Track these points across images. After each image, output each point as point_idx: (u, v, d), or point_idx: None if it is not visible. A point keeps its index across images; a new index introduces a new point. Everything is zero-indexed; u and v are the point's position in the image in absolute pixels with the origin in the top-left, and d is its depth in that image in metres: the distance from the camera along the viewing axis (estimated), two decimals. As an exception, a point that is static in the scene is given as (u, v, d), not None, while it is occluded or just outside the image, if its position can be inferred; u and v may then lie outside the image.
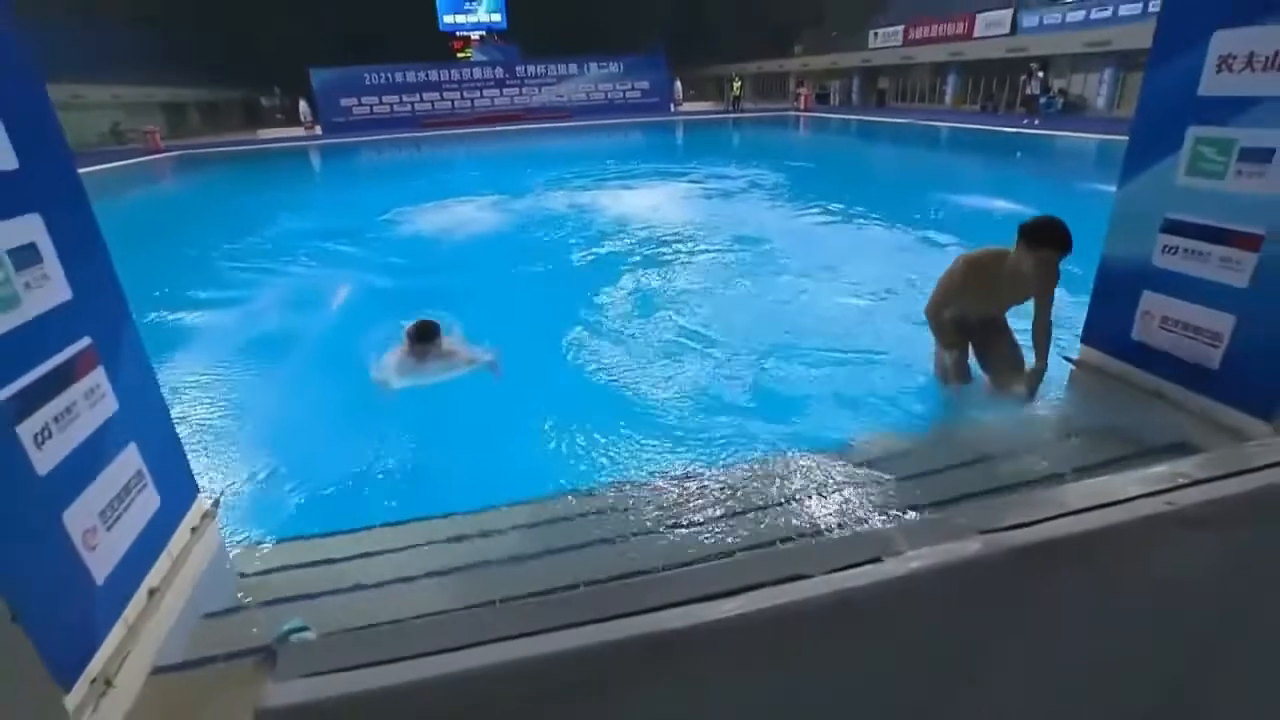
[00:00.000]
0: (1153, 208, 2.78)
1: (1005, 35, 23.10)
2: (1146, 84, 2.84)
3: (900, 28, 28.27)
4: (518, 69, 31.20)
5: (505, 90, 31.04)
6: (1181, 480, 0.80)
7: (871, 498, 2.55)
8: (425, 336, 3.35)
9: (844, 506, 2.50)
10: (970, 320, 3.25)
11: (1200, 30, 2.53)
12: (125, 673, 1.66)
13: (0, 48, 1.63)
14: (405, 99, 29.95)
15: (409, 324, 3.46)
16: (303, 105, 29.85)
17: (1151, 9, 16.76)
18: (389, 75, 29.66)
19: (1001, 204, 9.78)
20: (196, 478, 2.23)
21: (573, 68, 31.64)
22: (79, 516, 1.67)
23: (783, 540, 2.27)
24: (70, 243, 1.78)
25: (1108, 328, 3.06)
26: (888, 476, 2.68)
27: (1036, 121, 18.96)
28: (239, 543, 2.48)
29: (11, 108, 1.62)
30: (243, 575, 2.22)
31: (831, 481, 2.70)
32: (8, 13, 1.67)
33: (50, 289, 1.71)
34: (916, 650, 0.72)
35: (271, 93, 38.98)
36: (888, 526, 0.71)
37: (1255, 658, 0.83)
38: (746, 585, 0.66)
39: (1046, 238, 2.79)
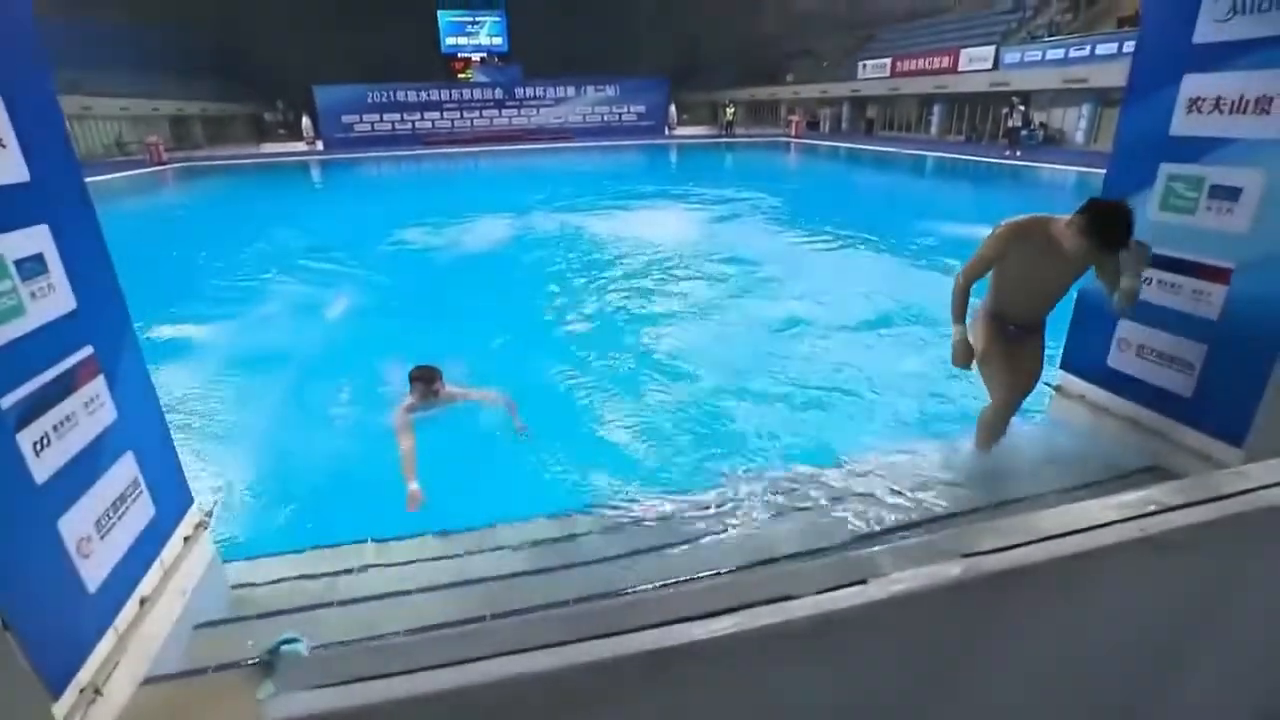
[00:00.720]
0: (1128, 240, 2.89)
1: (988, 70, 23.79)
2: (1122, 122, 2.97)
3: (888, 60, 29.01)
4: (517, 90, 31.70)
5: (504, 111, 31.50)
6: (1154, 507, 0.84)
7: (855, 520, 2.60)
8: (426, 380, 3.41)
9: (828, 528, 2.54)
10: (1007, 320, 2.84)
11: (1171, 74, 2.66)
12: (114, 682, 1.66)
13: (20, 64, 1.67)
14: (406, 117, 30.36)
15: (413, 369, 3.47)
16: (306, 121, 30.19)
17: (1126, 49, 17.33)
18: (390, 94, 30.07)
19: (985, 231, 9.99)
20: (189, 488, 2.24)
21: (570, 90, 32.16)
22: (74, 524, 1.67)
23: (772, 561, 2.30)
24: (76, 253, 1.81)
25: (1086, 354, 3.15)
26: (871, 498, 2.73)
27: (1018, 153, 19.43)
28: (232, 555, 2.47)
29: (27, 122, 1.66)
30: (235, 587, 2.22)
31: (816, 503, 2.74)
32: (29, 27, 1.72)
33: (55, 298, 1.74)
34: (899, 669, 0.76)
35: (275, 108, 39.28)
36: (873, 550, 0.75)
37: (1222, 677, 0.87)
38: (737, 605, 0.68)
39: (1105, 234, 2.38)
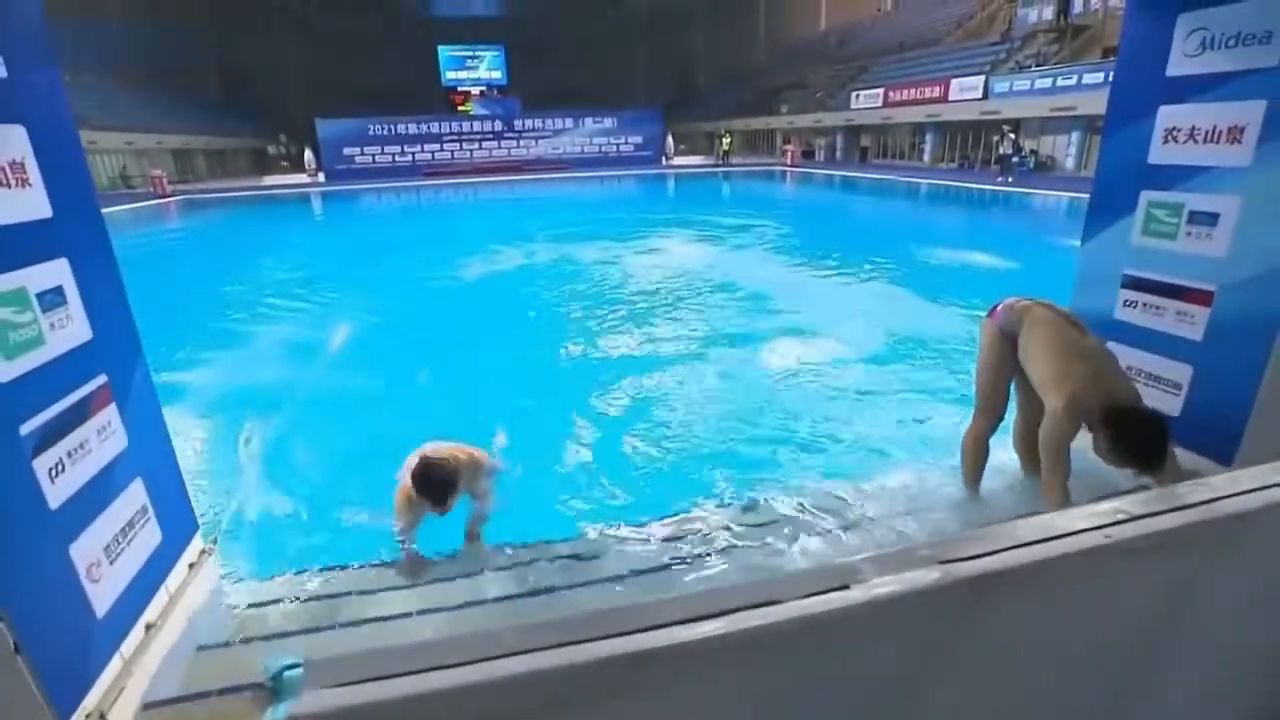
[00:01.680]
0: (1113, 264, 2.97)
1: (978, 99, 24.32)
2: (1103, 150, 3.08)
3: (880, 90, 29.66)
4: (515, 123, 32.30)
5: (503, 142, 32.04)
6: (1121, 516, 0.89)
7: (843, 539, 2.63)
8: (439, 500, 2.44)
9: (819, 548, 2.58)
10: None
11: (1147, 105, 2.77)
12: (119, 707, 1.67)
13: (45, 105, 1.75)
14: (407, 149, 30.87)
15: (421, 477, 2.48)
16: (308, 154, 30.80)
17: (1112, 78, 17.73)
18: (391, 127, 30.63)
19: (980, 257, 10.15)
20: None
21: (569, 122, 32.78)
22: (85, 550, 1.71)
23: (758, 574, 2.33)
24: (93, 285, 1.88)
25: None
26: (860, 519, 2.76)
27: (1010, 179, 19.78)
28: (234, 578, 2.49)
29: (51, 160, 1.74)
30: (237, 611, 2.23)
31: (809, 524, 2.77)
32: (54, 69, 1.80)
33: (73, 329, 1.79)
34: (882, 670, 0.80)
35: (278, 141, 40.07)
36: (855, 558, 0.80)
37: (1184, 673, 0.91)
38: (723, 610, 0.73)
39: (1137, 458, 2.18)
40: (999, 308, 2.72)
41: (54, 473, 1.64)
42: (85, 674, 1.65)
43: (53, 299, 1.73)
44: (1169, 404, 2.77)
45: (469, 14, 45.81)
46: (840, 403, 4.45)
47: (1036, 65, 23.59)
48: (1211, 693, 0.93)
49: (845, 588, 0.69)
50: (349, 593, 2.32)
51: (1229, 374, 2.57)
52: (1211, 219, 2.59)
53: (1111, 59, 19.68)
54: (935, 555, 0.74)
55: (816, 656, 0.70)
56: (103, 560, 1.76)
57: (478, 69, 38.58)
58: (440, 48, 38.45)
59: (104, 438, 1.85)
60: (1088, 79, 19.94)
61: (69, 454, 1.70)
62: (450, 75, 38.27)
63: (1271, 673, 1.06)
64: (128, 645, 1.79)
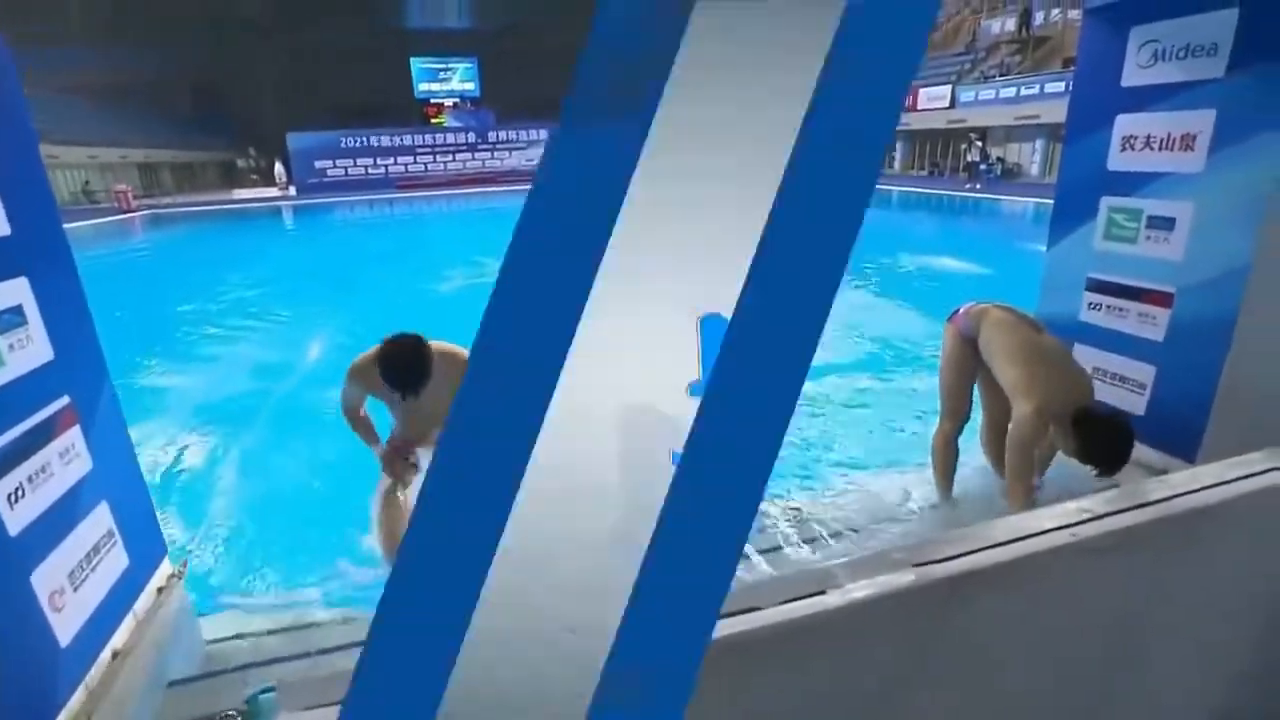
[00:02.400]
0: (1077, 268, 3.06)
1: (945, 108, 24.94)
2: (1065, 158, 3.18)
3: (851, 100, 30.25)
4: (490, 134, 32.22)
5: (477, 154, 31.93)
6: (1085, 515, 0.92)
7: (820, 548, 2.66)
8: (409, 378, 2.25)
9: (798, 556, 2.60)
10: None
11: (1105, 115, 2.86)
12: (85, 740, 1.61)
13: (6, 117, 1.71)
14: (379, 162, 30.59)
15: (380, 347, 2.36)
16: (278, 167, 30.37)
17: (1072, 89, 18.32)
18: (364, 139, 30.34)
19: (951, 261, 10.37)
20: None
21: (543, 133, 32.78)
22: (47, 577, 1.65)
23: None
24: (54, 304, 1.82)
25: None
26: (836, 528, 2.79)
27: (978, 186, 20.29)
28: (205, 609, 2.42)
29: (9, 176, 1.70)
30: (210, 642, 2.17)
31: (786, 535, 2.79)
32: (15, 80, 1.76)
33: (33, 350, 1.74)
34: (860, 673, 0.81)
35: (247, 154, 39.48)
36: (831, 563, 0.81)
37: (1153, 665, 0.94)
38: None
39: (1102, 461, 2.21)
40: (959, 312, 2.79)
41: (14, 498, 1.58)
42: (49, 707, 1.59)
43: (11, 319, 1.68)
44: (1134, 403, 2.85)
45: (442, 26, 45.67)
46: (816, 410, 4.49)
47: (1000, 75, 24.28)
48: (1180, 685, 0.96)
49: (821, 593, 0.70)
50: (323, 622, 2.27)
51: (1190, 373, 2.65)
52: (1168, 223, 2.68)
53: (1072, 69, 20.32)
54: (909, 558, 0.76)
55: (797, 661, 0.71)
56: (66, 588, 1.70)
57: (450, 81, 38.41)
58: (412, 59, 38.27)
59: (67, 461, 1.80)
60: (1050, 88, 20.58)
61: (30, 479, 1.65)
62: (423, 87, 38.05)
63: (1238, 665, 1.09)
64: (93, 675, 1.73)
